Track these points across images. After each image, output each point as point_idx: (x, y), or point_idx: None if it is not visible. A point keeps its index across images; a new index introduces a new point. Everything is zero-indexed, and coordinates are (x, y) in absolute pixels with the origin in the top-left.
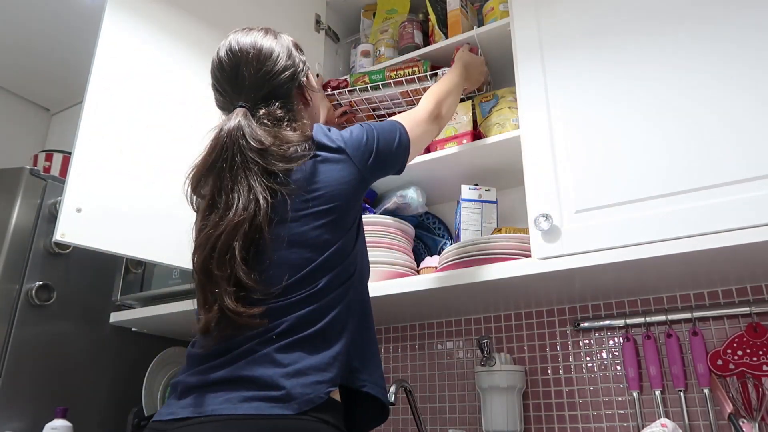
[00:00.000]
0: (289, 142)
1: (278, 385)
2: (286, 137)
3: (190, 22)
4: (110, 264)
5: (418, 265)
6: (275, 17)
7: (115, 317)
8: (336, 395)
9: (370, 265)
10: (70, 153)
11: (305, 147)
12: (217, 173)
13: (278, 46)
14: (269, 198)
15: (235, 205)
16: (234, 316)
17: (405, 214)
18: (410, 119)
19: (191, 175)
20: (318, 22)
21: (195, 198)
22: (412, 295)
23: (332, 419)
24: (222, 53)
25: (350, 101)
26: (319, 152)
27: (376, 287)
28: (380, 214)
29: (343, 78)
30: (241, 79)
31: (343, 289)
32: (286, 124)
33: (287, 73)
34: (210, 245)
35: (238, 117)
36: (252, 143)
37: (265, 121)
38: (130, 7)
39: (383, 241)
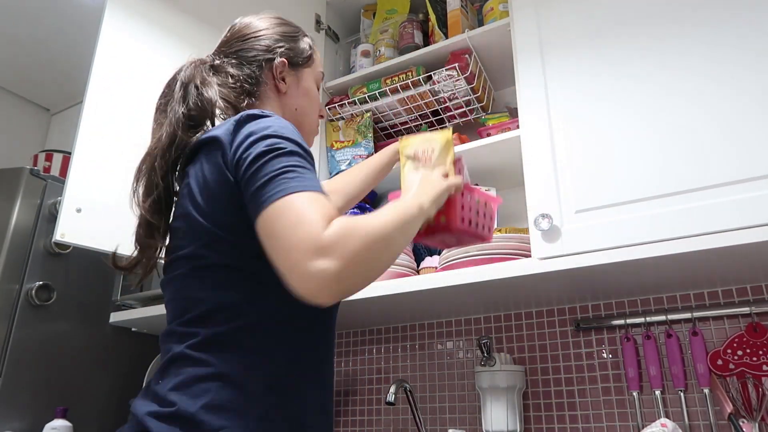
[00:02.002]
0: (219, 90)
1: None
2: (219, 89)
3: (189, 22)
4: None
5: (418, 265)
6: None
7: (115, 317)
8: None
9: None
10: (70, 153)
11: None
12: (157, 108)
13: (276, 27)
14: (174, 140)
15: (155, 137)
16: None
17: None
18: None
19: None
20: (318, 22)
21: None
22: (412, 295)
23: None
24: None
25: (352, 114)
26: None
27: (377, 287)
28: None
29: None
30: (222, 40)
31: None
32: (234, 82)
33: (262, 42)
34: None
35: (192, 59)
36: (183, 79)
37: (216, 66)
38: (130, 8)
39: None
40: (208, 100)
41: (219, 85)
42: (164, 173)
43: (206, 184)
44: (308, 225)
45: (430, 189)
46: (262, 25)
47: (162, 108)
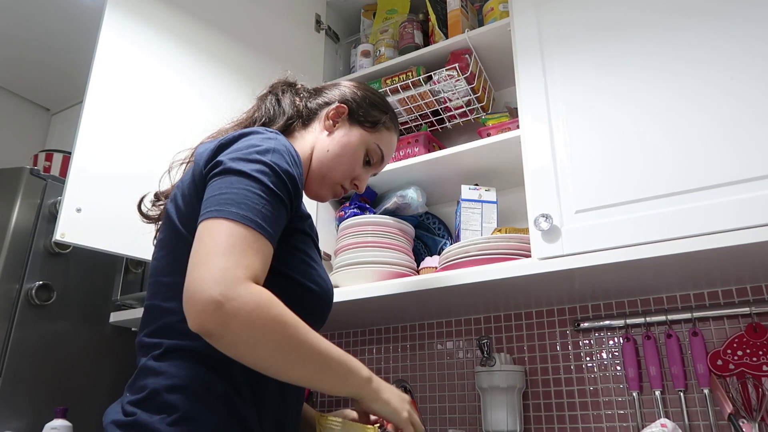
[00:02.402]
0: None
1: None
2: (260, 105)
3: (190, 22)
4: (110, 264)
5: (418, 265)
6: (275, 17)
7: (115, 317)
8: None
9: (371, 266)
10: (70, 153)
11: (235, 125)
12: None
13: (366, 90)
14: None
15: None
16: None
17: (405, 214)
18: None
19: None
20: (318, 22)
21: None
22: (412, 295)
23: None
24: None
25: None
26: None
27: (377, 287)
28: (380, 214)
29: None
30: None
31: None
32: (284, 110)
33: (342, 91)
34: None
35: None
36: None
37: (294, 90)
38: (130, 7)
39: (383, 241)
40: (261, 111)
41: (277, 102)
42: None
43: (186, 190)
44: (230, 268)
45: (390, 392)
46: (356, 86)
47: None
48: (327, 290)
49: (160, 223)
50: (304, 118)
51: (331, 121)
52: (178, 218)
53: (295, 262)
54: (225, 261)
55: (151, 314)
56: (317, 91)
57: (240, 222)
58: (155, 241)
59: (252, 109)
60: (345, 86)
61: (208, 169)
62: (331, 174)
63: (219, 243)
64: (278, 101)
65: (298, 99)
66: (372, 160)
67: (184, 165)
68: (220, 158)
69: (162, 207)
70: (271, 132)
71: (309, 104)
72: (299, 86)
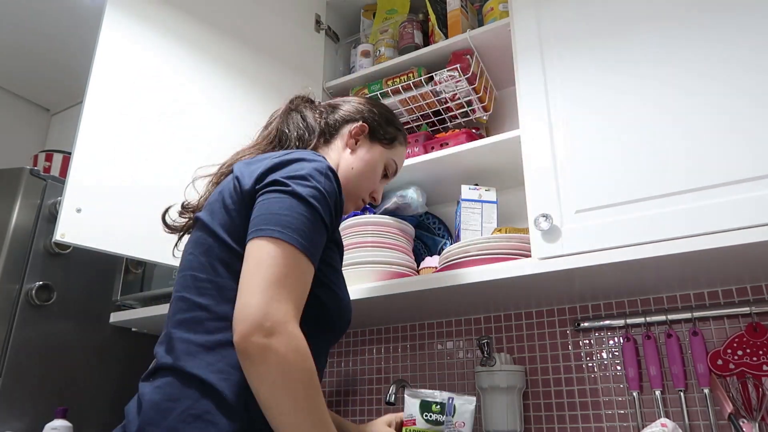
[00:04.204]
0: (296, 127)
1: None
2: (296, 123)
3: (190, 22)
4: (110, 264)
5: (418, 265)
6: (275, 17)
7: (115, 317)
8: None
9: (371, 266)
10: (70, 153)
11: (268, 142)
12: None
13: (377, 107)
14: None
15: None
16: None
17: (405, 214)
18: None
19: None
20: (318, 22)
21: None
22: (412, 295)
23: None
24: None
25: None
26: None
27: (377, 287)
28: (380, 214)
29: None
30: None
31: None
32: (312, 127)
33: (357, 107)
34: None
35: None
36: (292, 107)
37: (311, 106)
38: (130, 8)
39: (383, 241)
40: (289, 127)
41: (302, 119)
42: None
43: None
44: (282, 301)
45: None
46: (370, 103)
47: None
48: (347, 308)
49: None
50: (326, 136)
51: (353, 140)
52: (221, 225)
53: (325, 279)
54: (280, 292)
55: (181, 305)
56: (333, 108)
57: (299, 250)
58: (180, 246)
59: (275, 124)
60: (360, 103)
61: (262, 185)
62: (356, 190)
63: (279, 268)
64: (303, 118)
65: (317, 115)
66: (389, 174)
67: (210, 179)
68: (275, 177)
69: (187, 218)
70: (319, 156)
71: (329, 121)
72: (316, 102)
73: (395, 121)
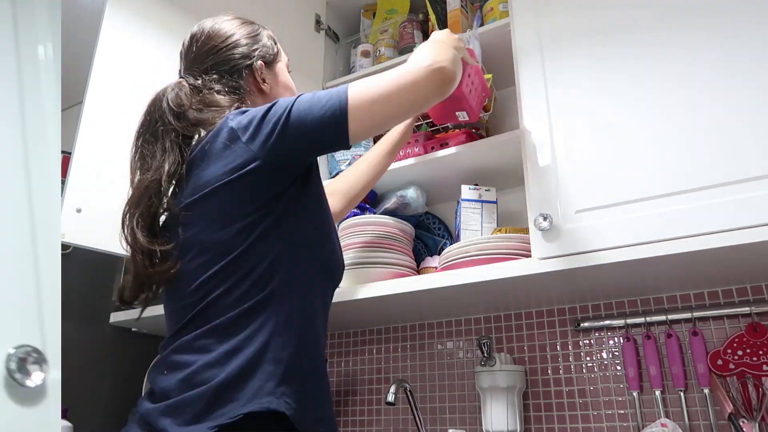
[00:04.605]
0: (210, 105)
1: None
2: (211, 100)
3: (190, 22)
4: (110, 264)
5: (418, 265)
6: (275, 17)
7: (115, 317)
8: None
9: (371, 266)
10: (70, 153)
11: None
12: (142, 137)
13: (241, 29)
14: (181, 163)
15: (150, 168)
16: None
17: (405, 214)
18: (366, 80)
19: (132, 143)
20: (318, 22)
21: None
22: (412, 295)
23: None
24: (186, 36)
25: None
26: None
27: (376, 287)
28: (380, 214)
29: None
30: (189, 53)
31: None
32: (223, 94)
33: (237, 50)
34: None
35: (169, 84)
36: (171, 105)
37: (199, 87)
38: (130, 7)
39: (383, 241)
40: (203, 121)
41: (207, 104)
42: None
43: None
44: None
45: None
46: (226, 30)
47: (150, 138)
48: (342, 260)
49: None
50: (239, 100)
51: (264, 83)
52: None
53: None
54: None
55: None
56: (214, 71)
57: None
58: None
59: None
60: (232, 42)
61: (262, 115)
62: None
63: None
64: (209, 104)
65: (213, 89)
66: (289, 71)
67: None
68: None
69: None
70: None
71: (228, 89)
72: (187, 83)
73: (258, 28)
